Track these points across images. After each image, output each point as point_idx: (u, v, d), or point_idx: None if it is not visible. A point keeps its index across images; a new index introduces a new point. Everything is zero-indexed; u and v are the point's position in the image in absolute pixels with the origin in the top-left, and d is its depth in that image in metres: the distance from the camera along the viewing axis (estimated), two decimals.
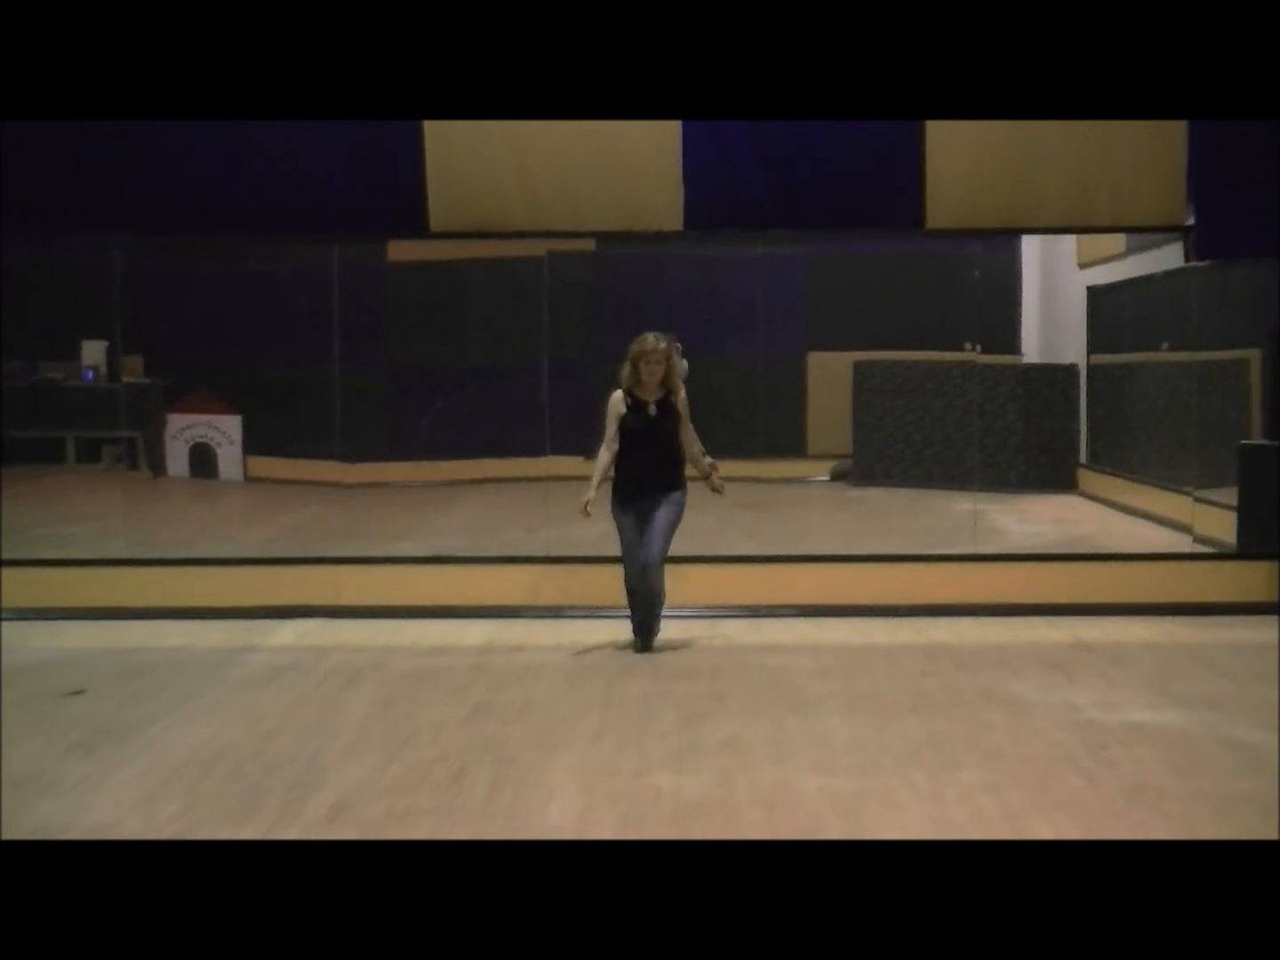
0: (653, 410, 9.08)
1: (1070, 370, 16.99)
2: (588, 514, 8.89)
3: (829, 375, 18.01)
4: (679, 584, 9.81)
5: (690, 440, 9.18)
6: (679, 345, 17.07)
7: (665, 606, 9.20)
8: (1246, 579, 10.32)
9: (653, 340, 9.02)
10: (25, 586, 10.36)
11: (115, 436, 17.58)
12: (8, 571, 10.33)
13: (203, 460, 17.71)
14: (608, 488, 9.08)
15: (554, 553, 10.64)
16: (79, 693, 8.19)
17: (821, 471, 17.90)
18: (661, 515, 8.92)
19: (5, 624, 9.95)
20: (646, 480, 8.98)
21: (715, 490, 9.14)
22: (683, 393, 9.18)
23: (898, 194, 10.26)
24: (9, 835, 5.75)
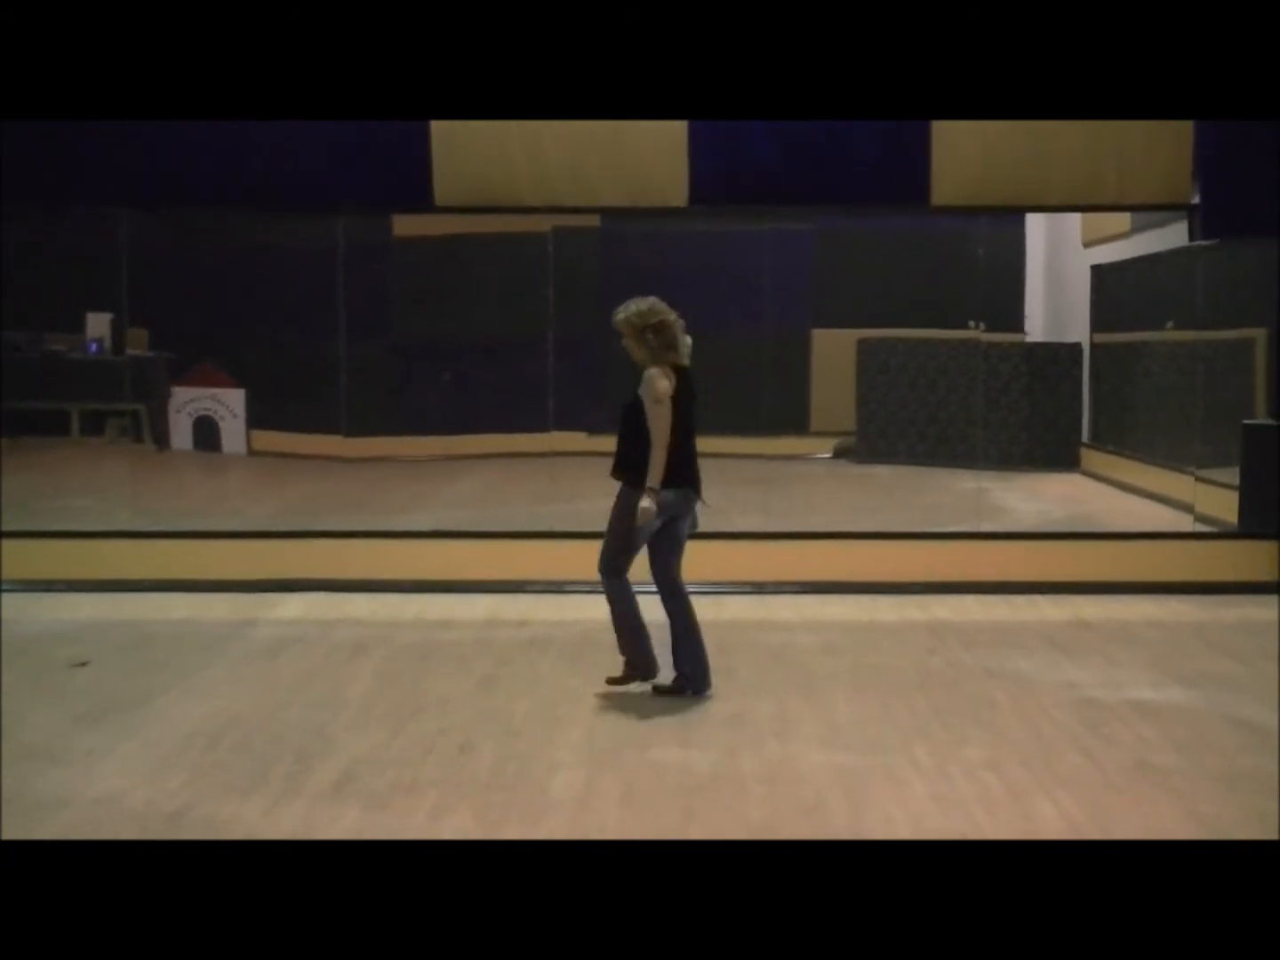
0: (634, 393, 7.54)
1: (1074, 349, 17.01)
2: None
3: (833, 352, 18.03)
4: (683, 561, 9.85)
5: (651, 431, 7.34)
6: (681, 321, 17.19)
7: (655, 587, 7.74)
8: (1248, 558, 10.33)
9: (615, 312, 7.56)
10: (30, 558, 10.39)
11: (120, 409, 17.61)
12: (13, 543, 10.37)
13: (206, 433, 17.74)
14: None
15: (558, 527, 10.65)
16: (83, 664, 8.22)
17: (825, 449, 17.93)
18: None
19: (11, 595, 9.99)
20: (614, 468, 7.60)
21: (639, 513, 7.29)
22: (648, 370, 7.41)
23: (904, 171, 10.27)
24: (16, 803, 5.80)
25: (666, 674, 7.62)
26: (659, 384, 7.37)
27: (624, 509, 7.42)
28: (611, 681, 7.70)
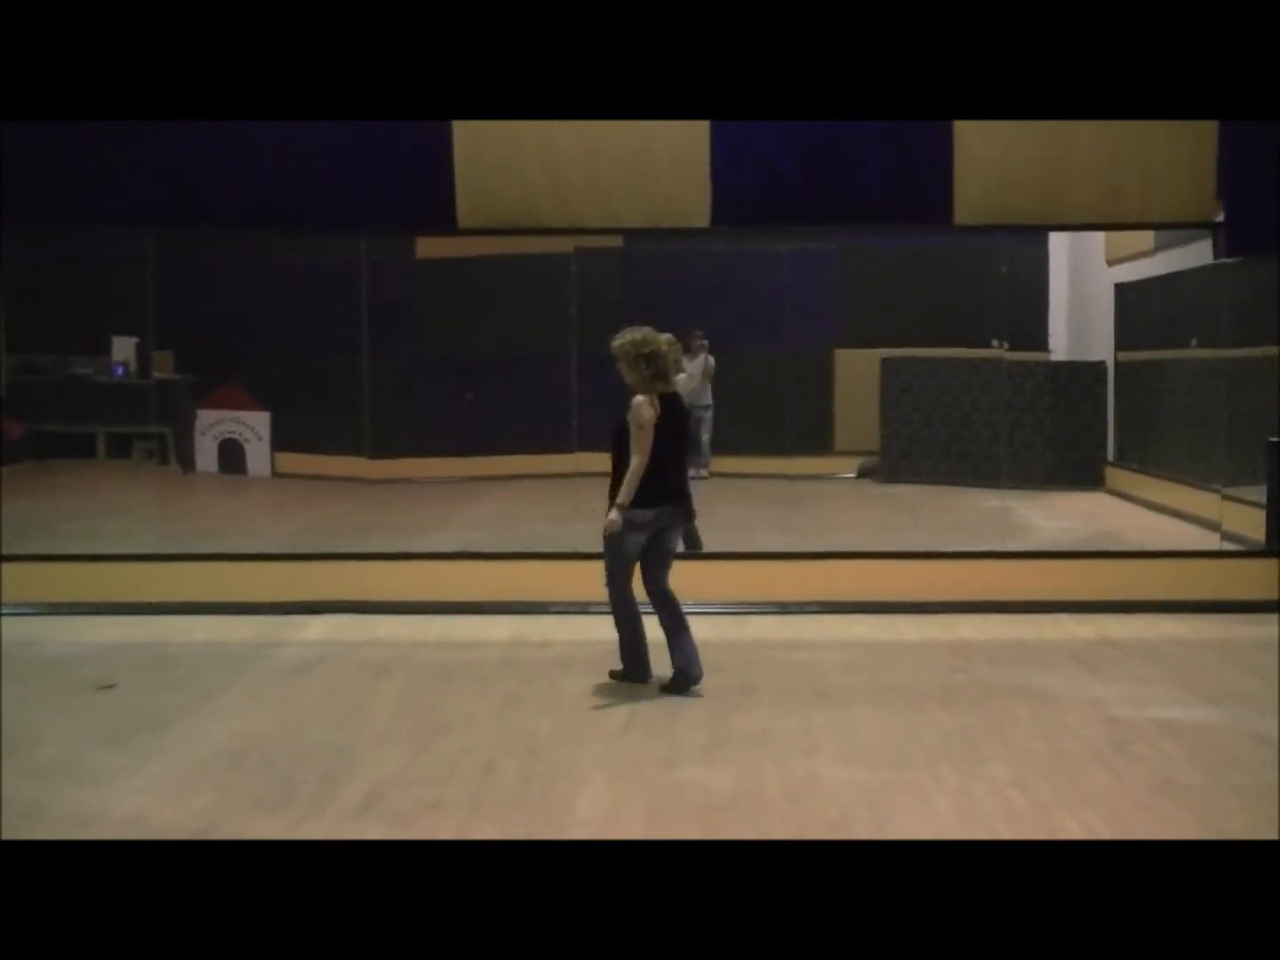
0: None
1: (1098, 367, 16.99)
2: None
3: (856, 371, 18.04)
4: (707, 579, 9.88)
5: (632, 453, 7.87)
6: (704, 342, 17.25)
7: (682, 604, 8.19)
8: (1275, 576, 10.27)
9: (612, 339, 8.11)
10: (56, 581, 10.43)
11: (146, 432, 17.69)
12: (38, 566, 10.43)
13: (232, 456, 17.82)
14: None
15: (581, 548, 10.65)
16: (110, 686, 8.24)
17: (848, 468, 17.91)
18: None
19: (37, 618, 10.03)
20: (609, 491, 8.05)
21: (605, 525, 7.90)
22: (636, 397, 7.92)
23: (926, 189, 10.25)
24: (43, 823, 5.82)
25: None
26: (645, 411, 7.88)
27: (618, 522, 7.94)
28: (614, 675, 8.25)
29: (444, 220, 10.42)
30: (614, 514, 7.83)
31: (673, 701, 7.78)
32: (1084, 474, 16.66)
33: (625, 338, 8.00)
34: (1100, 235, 16.05)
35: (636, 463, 7.83)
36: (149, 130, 9.68)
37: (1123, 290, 16.52)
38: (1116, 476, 16.43)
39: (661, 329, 8.29)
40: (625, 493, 7.84)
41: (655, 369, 7.94)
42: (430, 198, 10.32)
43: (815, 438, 18.00)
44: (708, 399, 17.23)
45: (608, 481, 8.03)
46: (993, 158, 10.16)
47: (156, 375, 17.25)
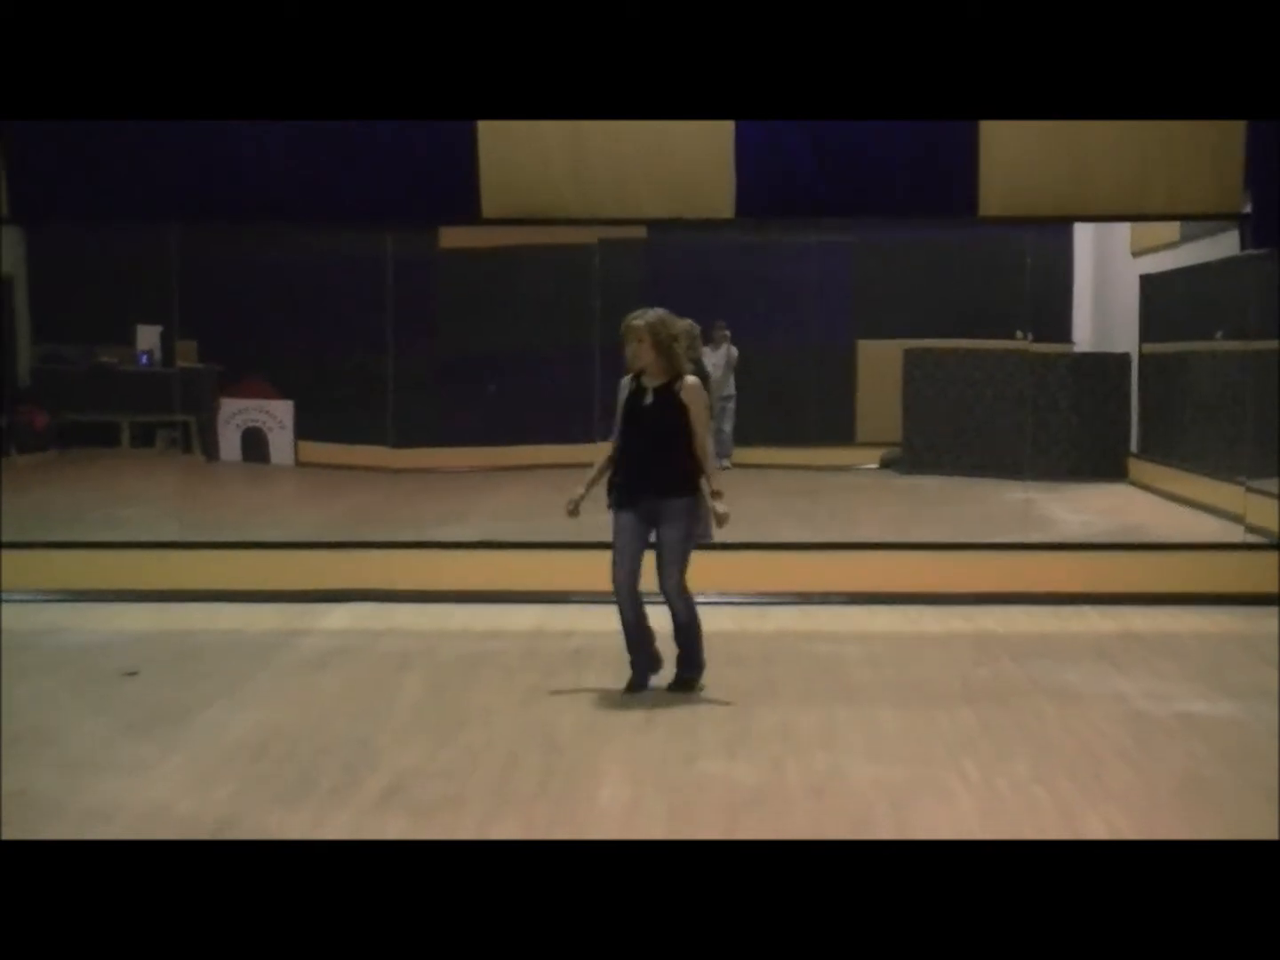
0: (649, 399, 7.64)
1: (1122, 359, 16.91)
2: (573, 514, 7.81)
3: (879, 363, 18.00)
4: (728, 570, 9.86)
5: (698, 441, 7.60)
6: (727, 332, 17.24)
7: (704, 595, 8.13)
8: None
9: (630, 317, 7.65)
10: (81, 569, 10.48)
11: (169, 420, 17.72)
12: (63, 553, 10.48)
13: (255, 445, 17.83)
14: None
15: (604, 538, 10.64)
16: (133, 673, 8.27)
17: (871, 459, 17.88)
18: (668, 533, 7.59)
19: (60, 605, 10.07)
20: (641, 482, 7.61)
21: (717, 519, 7.57)
22: (689, 379, 7.62)
23: (950, 182, 10.22)
24: (66, 813, 5.84)
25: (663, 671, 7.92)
26: (704, 392, 7.69)
27: (692, 520, 7.60)
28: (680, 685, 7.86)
29: (468, 211, 10.42)
30: (724, 506, 7.49)
31: (693, 696, 7.76)
32: (1107, 466, 16.59)
33: (649, 316, 7.59)
34: (1125, 226, 15.96)
35: (707, 443, 7.63)
36: (172, 127, 9.68)
37: (1148, 282, 16.45)
38: (1140, 469, 16.37)
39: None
40: (716, 477, 7.65)
41: (680, 350, 7.66)
42: (454, 189, 10.32)
43: (838, 429, 17.98)
44: (730, 389, 17.21)
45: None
46: (1018, 150, 10.10)
47: (181, 364, 17.28)
